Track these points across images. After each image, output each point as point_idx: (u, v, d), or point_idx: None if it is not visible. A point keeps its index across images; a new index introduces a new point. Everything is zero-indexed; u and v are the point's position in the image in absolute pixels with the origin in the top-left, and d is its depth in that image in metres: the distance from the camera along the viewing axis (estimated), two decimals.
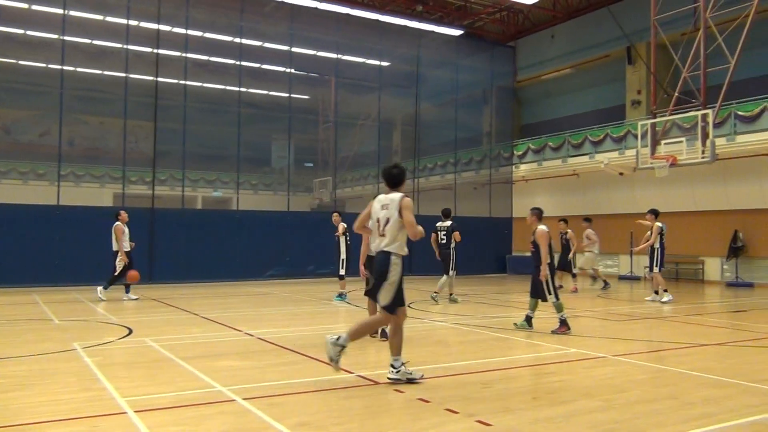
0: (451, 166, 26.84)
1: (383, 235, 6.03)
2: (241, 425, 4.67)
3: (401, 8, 25.99)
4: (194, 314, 11.53)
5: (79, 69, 24.54)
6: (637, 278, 22.33)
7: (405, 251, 6.04)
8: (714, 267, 20.57)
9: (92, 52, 25.97)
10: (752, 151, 18.42)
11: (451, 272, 13.59)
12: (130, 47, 20.27)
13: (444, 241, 13.66)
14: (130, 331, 9.18)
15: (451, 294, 13.98)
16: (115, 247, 13.73)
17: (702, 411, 5.08)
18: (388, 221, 6.03)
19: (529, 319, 9.58)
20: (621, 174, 22.38)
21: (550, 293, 9.31)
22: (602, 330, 9.96)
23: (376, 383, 5.97)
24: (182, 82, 20.98)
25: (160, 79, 20.03)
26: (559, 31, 27.04)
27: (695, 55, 16.64)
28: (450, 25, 26.50)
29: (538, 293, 9.48)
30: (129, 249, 13.85)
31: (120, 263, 13.66)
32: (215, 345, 8.30)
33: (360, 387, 5.89)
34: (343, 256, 14.05)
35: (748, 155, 18.66)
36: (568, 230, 16.92)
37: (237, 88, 21.96)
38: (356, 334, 6.01)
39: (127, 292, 14.02)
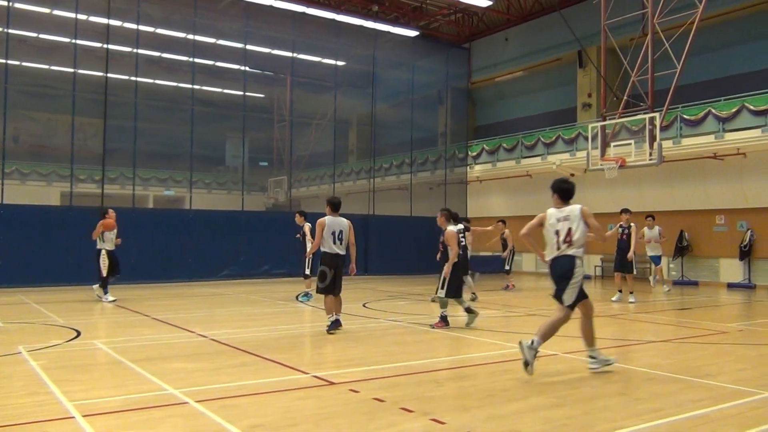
0: (407, 167, 26.98)
1: (568, 242, 6.50)
2: (193, 428, 4.60)
3: (357, 8, 25.97)
4: (145, 315, 11.30)
5: (25, 63, 23.82)
6: (587, 277, 22.83)
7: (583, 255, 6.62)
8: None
9: (39, 46, 25.21)
10: (697, 153, 19.03)
11: (470, 272, 13.93)
12: (79, 42, 19.72)
13: (462, 243, 13.47)
14: (78, 334, 8.93)
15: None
16: (98, 245, 13.38)
17: (650, 406, 5.22)
18: (570, 231, 6.51)
19: (469, 310, 10.03)
20: (572, 175, 22.76)
21: (442, 288, 9.81)
22: None
23: (332, 383, 5.95)
24: (133, 78, 20.51)
25: (110, 75, 19.55)
26: (513, 34, 27.43)
27: (643, 60, 17.09)
28: (406, 25, 26.61)
29: (456, 293, 9.93)
30: (113, 248, 13.52)
31: (103, 263, 13.33)
32: (167, 347, 8.15)
33: (315, 387, 5.86)
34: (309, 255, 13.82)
35: (692, 158, 19.27)
36: (506, 230, 17.27)
37: (190, 86, 21.60)
38: (546, 336, 6.46)
39: (105, 292, 13.61)
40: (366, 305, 13.14)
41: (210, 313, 11.98)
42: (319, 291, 9.24)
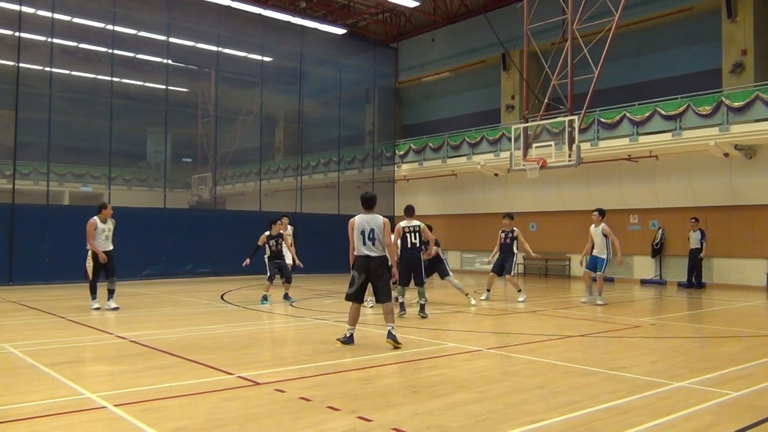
0: (334, 164, 26.92)
1: None
2: None
3: (284, 4, 25.73)
4: (60, 317, 10.83)
5: None
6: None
7: None
8: (579, 263, 21.99)
9: None
10: (612, 155, 19.87)
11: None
12: None
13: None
14: None
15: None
16: (87, 246, 11.75)
17: (568, 399, 5.42)
18: None
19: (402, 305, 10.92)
20: (496, 175, 23.40)
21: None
22: (478, 325, 10.37)
23: (257, 384, 5.88)
24: (47, 68, 19.58)
25: (22, 65, 18.60)
26: (439, 35, 27.83)
27: (563, 64, 17.66)
28: (333, 23, 26.55)
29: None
30: (109, 248, 11.78)
31: (88, 264, 11.71)
32: (84, 349, 7.84)
33: (240, 388, 5.78)
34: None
35: (608, 159, 20.11)
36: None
37: (109, 78, 20.80)
38: None
39: (110, 298, 11.90)
40: (293, 304, 13.05)
41: (130, 314, 11.58)
42: (346, 297, 8.31)
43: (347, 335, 8.18)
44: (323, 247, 23.46)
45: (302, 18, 24.98)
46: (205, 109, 29.48)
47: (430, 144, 25.57)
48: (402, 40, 29.39)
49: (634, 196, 20.40)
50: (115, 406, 5.05)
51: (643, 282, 19.89)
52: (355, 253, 8.21)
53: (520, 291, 14.17)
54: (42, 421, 4.68)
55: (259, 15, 23.67)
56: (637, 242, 20.47)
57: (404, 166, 26.80)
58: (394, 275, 8.99)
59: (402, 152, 26.98)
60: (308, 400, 5.30)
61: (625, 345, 8.44)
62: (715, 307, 13.16)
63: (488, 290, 14.31)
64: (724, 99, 17.40)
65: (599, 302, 13.24)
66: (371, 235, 8.10)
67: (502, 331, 9.57)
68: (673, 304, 14.22)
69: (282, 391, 5.59)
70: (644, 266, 20.31)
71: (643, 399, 5.45)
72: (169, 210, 21.44)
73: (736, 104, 17.10)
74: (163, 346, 7.84)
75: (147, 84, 26.30)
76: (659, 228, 19.74)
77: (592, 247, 13.40)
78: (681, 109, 18.13)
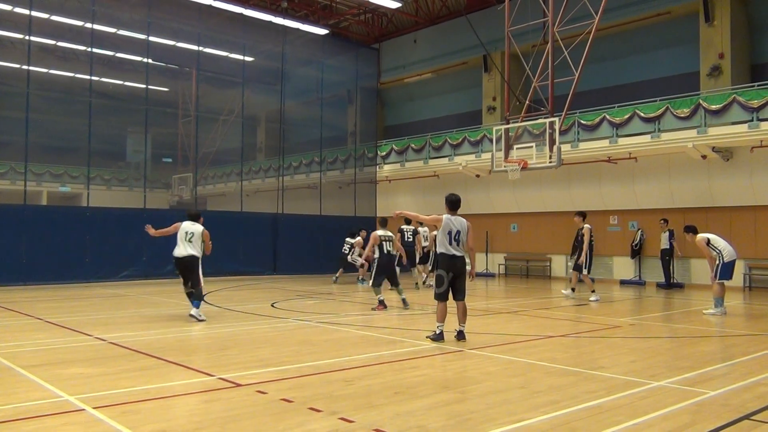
0: (316, 165, 26.86)
1: None
2: None
3: (266, 3, 25.62)
4: (38, 319, 10.69)
5: None
6: (491, 275, 23.53)
7: None
8: (559, 264, 22.15)
9: None
10: (592, 156, 20.04)
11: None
12: None
13: (410, 240, 17.08)
14: None
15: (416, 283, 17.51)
16: (196, 252, 10.54)
17: (548, 399, 5.46)
18: None
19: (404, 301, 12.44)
20: (478, 176, 23.48)
21: (370, 279, 12.44)
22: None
23: (238, 385, 5.85)
24: (25, 67, 19.32)
25: None
26: (421, 36, 27.88)
27: (544, 66, 17.77)
28: (315, 23, 26.48)
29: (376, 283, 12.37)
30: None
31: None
32: (62, 351, 7.75)
33: (221, 390, 5.74)
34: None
35: (588, 161, 20.28)
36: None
37: (88, 77, 20.56)
38: None
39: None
40: (274, 305, 13.00)
41: (109, 316, 11.47)
42: (435, 297, 8.54)
43: (437, 332, 8.48)
44: (305, 247, 23.43)
45: (284, 18, 24.89)
46: (185, 108, 29.28)
47: (412, 145, 25.61)
48: (384, 41, 29.39)
49: (613, 197, 20.59)
50: (94, 408, 5.00)
51: (623, 282, 20.08)
52: (442, 251, 8.50)
53: (573, 290, 15.26)
54: (19, 425, 4.62)
55: (241, 14, 23.55)
56: (616, 243, 20.66)
57: (386, 167, 26.81)
58: (472, 275, 9.25)
59: (384, 153, 26.99)
60: (290, 401, 5.28)
61: (604, 345, 8.51)
62: (692, 308, 13.33)
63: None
64: (701, 102, 17.62)
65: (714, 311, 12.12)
66: (457, 237, 8.46)
67: (483, 332, 9.60)
68: (652, 305, 14.37)
69: (263, 393, 5.57)
70: (624, 267, 20.50)
71: (622, 398, 5.50)
72: (149, 210, 21.24)
73: (714, 107, 17.32)
74: (143, 348, 7.77)
75: (126, 83, 26.09)
76: (638, 229, 19.94)
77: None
78: (659, 111, 18.33)
